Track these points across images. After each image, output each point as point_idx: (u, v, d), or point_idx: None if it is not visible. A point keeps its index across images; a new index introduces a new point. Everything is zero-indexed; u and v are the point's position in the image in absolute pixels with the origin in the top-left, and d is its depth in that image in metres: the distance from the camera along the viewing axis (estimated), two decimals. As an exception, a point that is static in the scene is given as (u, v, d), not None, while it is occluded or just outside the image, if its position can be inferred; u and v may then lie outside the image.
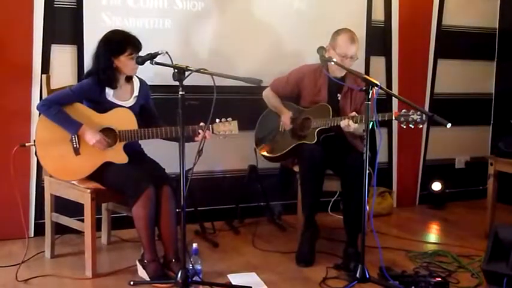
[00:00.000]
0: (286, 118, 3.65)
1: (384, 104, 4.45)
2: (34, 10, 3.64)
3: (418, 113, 3.05)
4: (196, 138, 3.09)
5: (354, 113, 3.38)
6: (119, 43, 3.13)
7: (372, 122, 2.93)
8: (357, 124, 3.27)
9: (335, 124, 3.39)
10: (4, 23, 3.59)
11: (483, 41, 5.07)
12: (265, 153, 3.79)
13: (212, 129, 3.13)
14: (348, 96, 3.59)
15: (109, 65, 3.13)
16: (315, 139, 3.48)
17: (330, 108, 3.49)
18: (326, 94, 3.58)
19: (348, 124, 3.28)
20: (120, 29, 3.26)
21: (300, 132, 3.61)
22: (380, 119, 3.06)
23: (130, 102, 3.25)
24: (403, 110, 3.11)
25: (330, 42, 3.52)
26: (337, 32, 3.53)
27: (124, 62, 3.12)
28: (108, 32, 3.20)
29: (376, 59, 4.66)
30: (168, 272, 3.07)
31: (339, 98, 3.59)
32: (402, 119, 3.09)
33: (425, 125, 4.80)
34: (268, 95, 3.78)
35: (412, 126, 3.09)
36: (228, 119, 3.17)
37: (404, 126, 3.10)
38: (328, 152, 3.44)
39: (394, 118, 3.15)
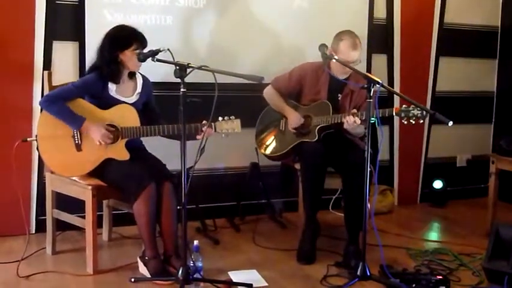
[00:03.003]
0: (295, 118, 3.59)
1: (385, 102, 4.44)
2: (36, 7, 3.63)
3: (418, 108, 3.04)
4: (198, 136, 3.08)
5: (354, 110, 3.37)
6: (126, 37, 3.13)
7: (374, 120, 2.93)
8: (360, 121, 3.26)
9: (336, 121, 3.38)
10: (6, 20, 3.59)
11: (485, 39, 5.06)
12: (266, 152, 3.79)
13: (215, 127, 3.13)
14: (348, 98, 3.57)
15: (114, 58, 3.12)
16: (316, 137, 3.47)
17: (330, 105, 3.48)
18: (326, 94, 3.56)
19: (353, 121, 3.24)
20: (126, 24, 3.27)
21: (300, 130, 3.61)
22: (381, 115, 3.06)
23: (133, 98, 3.25)
24: (404, 106, 3.10)
25: (332, 45, 3.47)
26: (339, 37, 3.47)
27: (129, 57, 3.12)
28: (114, 27, 3.20)
29: (377, 57, 4.65)
30: (169, 268, 3.08)
31: (339, 98, 3.58)
32: (403, 114, 3.08)
33: (426, 123, 4.81)
34: (270, 93, 3.75)
35: (413, 122, 3.08)
36: (231, 117, 3.16)
37: (406, 122, 3.09)
38: (329, 150, 3.44)
39: (394, 114, 3.14)
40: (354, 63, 3.38)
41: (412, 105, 3.05)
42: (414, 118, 3.06)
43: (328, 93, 3.57)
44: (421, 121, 3.09)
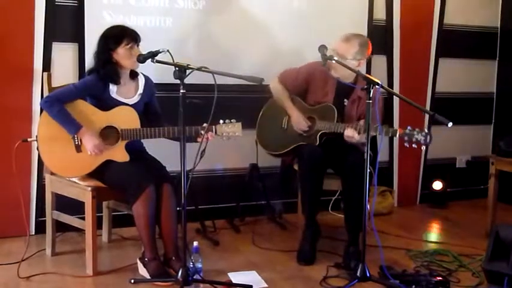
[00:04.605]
0: (300, 124, 3.56)
1: (385, 103, 4.44)
2: (35, 8, 3.64)
3: (423, 133, 3.02)
4: (198, 139, 3.07)
5: (362, 121, 3.33)
6: (116, 35, 3.13)
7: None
8: (360, 135, 3.23)
9: (338, 131, 3.35)
10: (5, 21, 3.59)
11: (485, 40, 5.07)
12: (265, 148, 3.78)
13: (215, 130, 3.13)
14: (355, 103, 3.54)
15: (108, 59, 3.12)
16: (317, 142, 3.46)
17: (335, 110, 3.46)
18: (333, 98, 3.54)
19: (352, 135, 3.24)
20: (117, 24, 3.28)
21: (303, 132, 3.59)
22: (384, 134, 3.08)
23: (135, 99, 3.25)
24: (408, 128, 3.07)
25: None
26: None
27: (122, 54, 3.12)
28: (106, 28, 3.20)
29: (377, 58, 4.65)
30: (168, 270, 3.08)
31: (345, 104, 3.55)
32: (406, 138, 3.05)
33: (426, 124, 4.81)
34: (276, 88, 3.70)
35: (415, 146, 3.05)
36: (232, 121, 3.16)
37: (407, 145, 3.06)
38: (329, 151, 3.43)
39: (398, 135, 3.10)
40: (348, 59, 3.35)
41: (416, 129, 3.03)
42: (416, 143, 3.04)
43: (335, 97, 3.54)
44: (423, 148, 3.06)
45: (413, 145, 3.05)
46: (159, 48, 2.85)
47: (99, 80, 3.14)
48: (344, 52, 3.39)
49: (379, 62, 4.67)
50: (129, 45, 3.10)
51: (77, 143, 3.11)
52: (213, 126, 3.11)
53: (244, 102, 4.00)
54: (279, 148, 3.71)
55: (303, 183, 3.49)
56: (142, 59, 2.94)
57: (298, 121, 3.57)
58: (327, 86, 3.56)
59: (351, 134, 3.25)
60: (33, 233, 3.78)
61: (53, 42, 3.73)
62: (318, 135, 3.47)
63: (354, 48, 3.41)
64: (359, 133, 3.23)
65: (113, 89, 3.18)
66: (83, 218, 3.17)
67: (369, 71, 4.54)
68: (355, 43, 3.43)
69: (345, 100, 3.56)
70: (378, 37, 4.62)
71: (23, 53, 3.65)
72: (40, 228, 3.72)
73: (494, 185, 3.92)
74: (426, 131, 3.04)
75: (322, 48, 3.18)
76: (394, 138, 4.72)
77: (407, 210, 4.76)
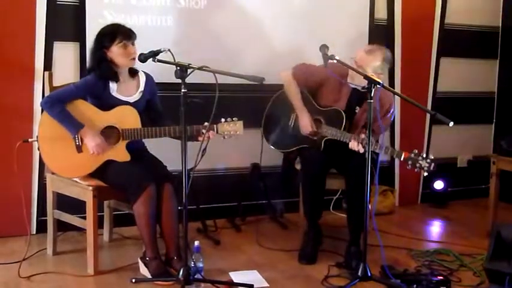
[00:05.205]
0: (306, 125, 3.52)
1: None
2: (36, 7, 3.64)
3: (428, 160, 3.00)
4: (199, 138, 3.07)
5: (362, 136, 3.28)
6: (109, 34, 3.13)
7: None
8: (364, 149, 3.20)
9: (343, 140, 3.32)
10: (7, 20, 3.59)
11: (486, 39, 5.06)
12: (269, 142, 3.78)
13: (217, 129, 3.12)
14: (365, 113, 3.48)
15: (102, 57, 3.12)
16: (322, 148, 3.45)
17: (344, 117, 3.42)
18: (345, 104, 3.49)
19: (357, 149, 3.21)
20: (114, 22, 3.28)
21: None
22: (389, 156, 3.07)
23: (136, 97, 3.24)
24: (414, 152, 3.05)
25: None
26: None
27: (116, 52, 3.11)
28: (101, 28, 3.21)
29: (378, 57, 4.64)
30: (169, 269, 3.08)
31: (356, 111, 3.52)
32: (410, 161, 3.04)
33: (427, 124, 4.82)
34: (289, 82, 3.63)
35: (418, 171, 3.04)
36: (233, 119, 3.15)
37: (410, 167, 3.06)
38: (334, 152, 3.41)
39: (402, 159, 3.08)
40: (368, 72, 3.18)
41: (422, 155, 3.02)
42: (419, 168, 3.02)
43: (347, 104, 3.50)
44: (426, 174, 3.05)
45: (416, 169, 3.04)
46: (160, 48, 2.85)
47: (98, 79, 3.14)
48: (365, 64, 3.31)
49: (380, 61, 4.66)
50: (123, 42, 3.10)
51: (77, 143, 3.10)
52: (214, 125, 3.11)
53: (245, 101, 3.99)
54: (282, 146, 3.70)
55: (304, 188, 3.48)
56: (143, 58, 2.93)
57: (306, 125, 3.53)
58: (341, 93, 3.51)
59: (356, 147, 3.23)
60: (34, 233, 3.78)
61: (54, 42, 3.73)
62: (323, 141, 3.44)
63: (376, 62, 3.33)
64: (364, 147, 3.19)
65: (113, 87, 3.17)
66: (84, 218, 3.17)
67: (370, 70, 4.53)
68: (379, 57, 3.34)
69: (357, 108, 3.52)
70: (379, 36, 4.61)
71: (24, 52, 3.65)
72: (41, 227, 3.72)
73: (496, 185, 3.92)
74: (432, 157, 3.01)
75: (324, 47, 3.15)
76: (395, 138, 4.75)
77: (409, 210, 4.75)
